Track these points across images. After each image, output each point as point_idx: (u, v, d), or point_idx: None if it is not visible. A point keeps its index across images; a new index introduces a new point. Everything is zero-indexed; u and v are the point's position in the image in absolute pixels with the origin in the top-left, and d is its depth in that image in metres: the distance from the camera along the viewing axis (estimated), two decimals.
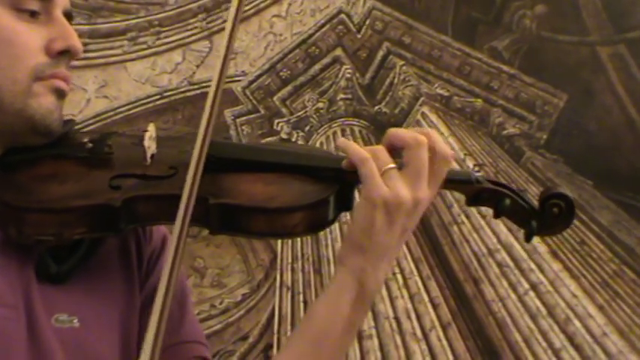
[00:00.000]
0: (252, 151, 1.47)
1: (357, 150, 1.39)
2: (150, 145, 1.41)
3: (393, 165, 1.37)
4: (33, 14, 1.37)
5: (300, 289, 3.21)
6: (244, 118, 3.34)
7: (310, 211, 1.38)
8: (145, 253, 1.46)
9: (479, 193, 1.44)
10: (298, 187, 1.39)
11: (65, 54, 1.38)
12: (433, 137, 1.38)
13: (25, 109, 1.35)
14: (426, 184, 1.37)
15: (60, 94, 1.39)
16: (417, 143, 1.37)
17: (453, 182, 1.46)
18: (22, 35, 1.35)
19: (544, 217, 1.43)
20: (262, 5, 3.35)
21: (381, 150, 1.38)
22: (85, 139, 1.41)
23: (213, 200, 1.35)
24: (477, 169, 3.15)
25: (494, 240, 3.15)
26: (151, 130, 1.42)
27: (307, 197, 1.38)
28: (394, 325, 3.14)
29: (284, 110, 3.34)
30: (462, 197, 1.47)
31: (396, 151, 1.40)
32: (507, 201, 1.44)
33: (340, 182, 1.40)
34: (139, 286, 1.42)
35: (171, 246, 1.21)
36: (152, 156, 1.41)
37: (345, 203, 1.43)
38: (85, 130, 1.51)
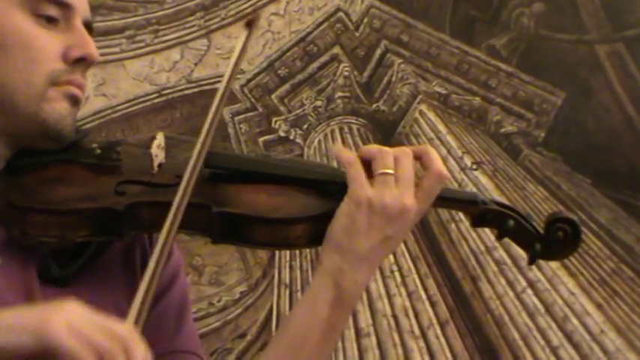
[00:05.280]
0: (257, 162, 1.47)
1: (346, 153, 1.41)
2: (157, 153, 1.41)
3: (391, 171, 1.38)
4: (52, 20, 1.38)
5: (299, 287, 3.21)
6: (242, 116, 3.33)
7: (313, 223, 1.39)
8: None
9: (484, 214, 1.45)
10: (302, 200, 1.40)
11: (82, 62, 1.39)
12: (431, 155, 1.41)
13: (39, 112, 1.36)
14: (412, 193, 1.38)
15: (74, 101, 1.40)
16: (402, 153, 1.39)
17: (459, 203, 1.49)
18: (39, 40, 1.36)
19: (549, 241, 1.44)
20: (260, 3, 3.35)
21: (387, 153, 1.40)
22: (94, 146, 1.42)
23: (216, 209, 1.36)
24: (474, 167, 3.14)
25: (492, 238, 3.15)
26: (160, 138, 1.43)
27: (310, 209, 1.39)
28: (392, 322, 3.14)
29: (282, 108, 3.34)
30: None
31: None
32: (512, 222, 1.44)
33: (343, 196, 1.40)
34: None
35: (158, 244, 1.22)
36: (159, 165, 1.41)
37: None
38: (97, 138, 1.51)
